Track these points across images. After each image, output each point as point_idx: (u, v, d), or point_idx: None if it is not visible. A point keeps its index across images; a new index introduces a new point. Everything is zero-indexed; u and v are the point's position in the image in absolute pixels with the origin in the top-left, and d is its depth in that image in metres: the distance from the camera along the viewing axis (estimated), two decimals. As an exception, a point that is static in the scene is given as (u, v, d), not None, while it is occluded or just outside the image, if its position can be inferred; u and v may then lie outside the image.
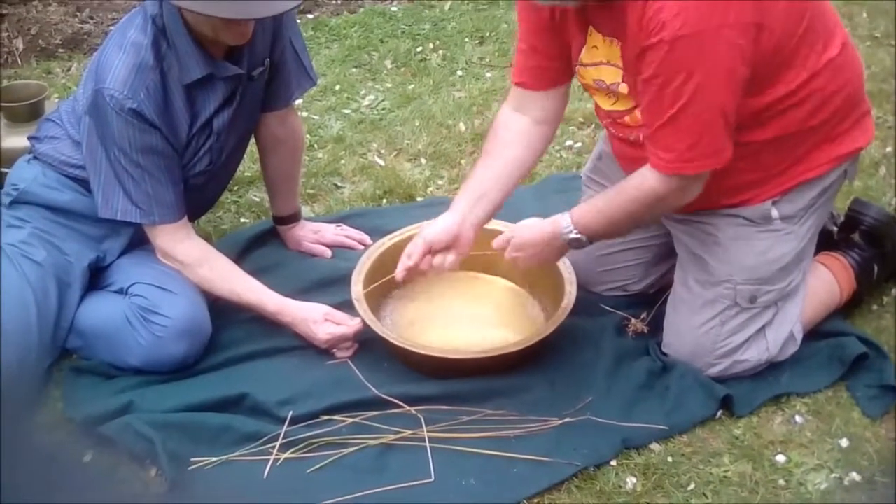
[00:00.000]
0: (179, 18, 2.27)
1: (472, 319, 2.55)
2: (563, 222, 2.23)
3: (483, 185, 2.33)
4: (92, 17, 4.19)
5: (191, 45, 2.29)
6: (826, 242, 2.53)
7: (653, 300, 2.54)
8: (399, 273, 2.31)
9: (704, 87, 1.95)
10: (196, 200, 2.54)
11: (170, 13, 2.27)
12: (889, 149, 3.23)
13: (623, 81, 2.14)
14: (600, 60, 2.17)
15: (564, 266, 2.48)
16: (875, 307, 2.58)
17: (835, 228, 2.60)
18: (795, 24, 2.04)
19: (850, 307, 2.54)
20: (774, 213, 2.24)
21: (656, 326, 2.46)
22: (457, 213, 2.30)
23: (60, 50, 3.96)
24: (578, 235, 2.22)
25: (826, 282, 2.47)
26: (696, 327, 2.32)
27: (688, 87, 1.94)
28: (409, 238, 2.53)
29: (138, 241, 2.48)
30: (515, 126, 2.35)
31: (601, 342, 2.46)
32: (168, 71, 2.30)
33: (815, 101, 2.13)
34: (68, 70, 3.83)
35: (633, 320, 2.50)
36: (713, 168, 2.07)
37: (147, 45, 2.27)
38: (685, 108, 1.97)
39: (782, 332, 2.32)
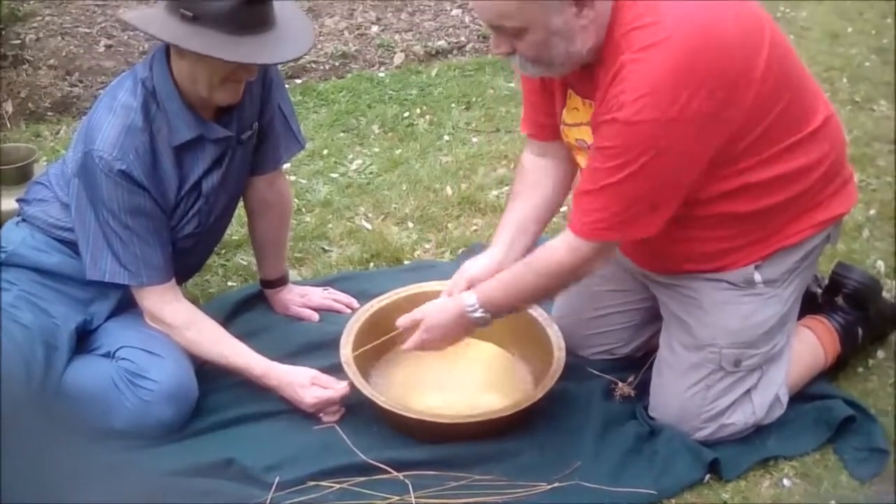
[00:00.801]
0: (170, 80, 2.29)
1: (461, 384, 2.54)
2: (468, 301, 2.25)
3: (521, 222, 2.38)
4: (81, 81, 4.22)
5: (181, 107, 2.31)
6: (810, 305, 2.55)
7: (640, 363, 2.54)
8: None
9: (646, 169, 1.97)
10: (184, 263, 2.54)
11: (160, 76, 2.30)
12: (872, 212, 3.26)
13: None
14: (580, 121, 2.20)
15: (552, 330, 2.49)
16: (860, 370, 2.59)
17: (819, 291, 2.61)
18: (767, 110, 2.06)
19: (835, 370, 2.54)
20: (757, 277, 2.25)
21: (643, 390, 2.46)
22: (498, 250, 2.35)
23: (49, 113, 3.98)
24: (484, 314, 2.25)
25: (811, 345, 2.48)
26: (682, 391, 2.32)
27: (632, 165, 1.97)
28: (398, 301, 2.57)
29: (126, 305, 2.47)
30: (540, 164, 2.41)
31: (589, 406, 2.46)
32: (157, 133, 2.32)
33: (793, 175, 2.16)
34: (57, 133, 3.85)
35: (620, 384, 2.50)
36: (630, 239, 2.12)
37: (137, 107, 2.29)
38: (620, 182, 1.99)
39: (768, 395, 2.33)
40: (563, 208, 2.58)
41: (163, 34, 2.20)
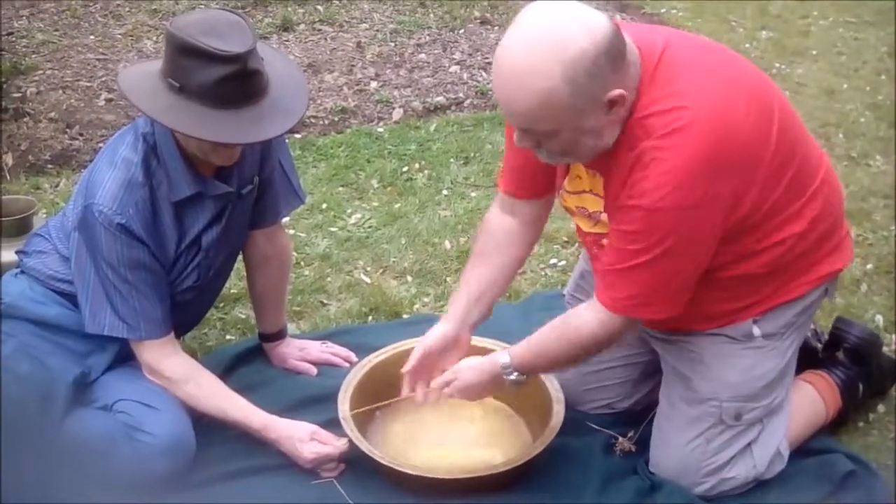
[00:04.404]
0: (170, 137, 2.30)
1: (460, 438, 2.53)
2: (503, 361, 2.26)
3: (478, 289, 2.39)
4: (81, 134, 4.24)
5: (181, 163, 2.32)
6: (811, 360, 2.55)
7: (640, 418, 2.53)
8: (405, 392, 2.38)
9: (671, 252, 2.00)
10: (183, 317, 2.54)
11: (161, 131, 2.30)
12: (870, 266, 3.28)
13: (604, 210, 2.17)
14: (583, 189, 2.21)
15: (552, 384, 2.48)
16: (861, 424, 2.59)
17: (819, 346, 2.61)
18: (778, 180, 2.09)
19: (836, 425, 2.54)
20: (756, 331, 2.26)
21: (644, 444, 2.45)
22: (452, 319, 2.37)
23: (49, 166, 3.99)
24: (519, 377, 2.27)
25: (812, 400, 2.48)
26: (683, 445, 2.31)
27: (657, 249, 2.00)
28: (396, 355, 2.56)
29: (124, 358, 2.46)
30: (506, 227, 2.41)
31: (590, 462, 2.45)
32: (157, 188, 2.33)
33: (793, 239, 2.17)
34: (57, 186, 3.86)
35: (620, 439, 2.50)
36: (659, 318, 2.12)
37: (137, 161, 2.30)
38: (646, 264, 2.02)
39: (769, 448, 2.32)
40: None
41: (143, 104, 2.19)
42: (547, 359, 2.25)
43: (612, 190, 2.07)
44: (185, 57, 2.15)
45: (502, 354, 2.27)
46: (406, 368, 2.35)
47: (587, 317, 2.15)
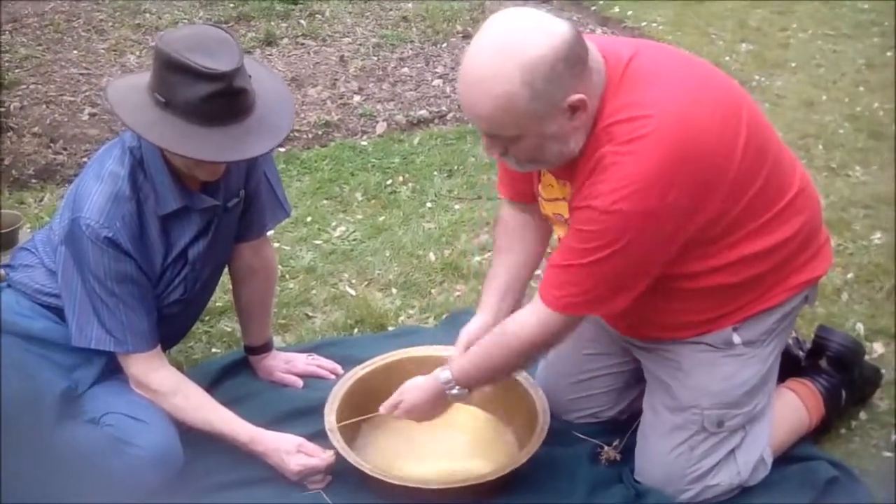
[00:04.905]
0: (157, 151, 2.31)
1: (446, 449, 2.55)
2: (444, 377, 2.30)
3: (506, 280, 2.42)
4: (65, 149, 4.25)
5: (167, 177, 2.33)
6: (793, 369, 2.57)
7: (625, 426, 2.55)
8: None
9: (619, 254, 2.02)
10: (169, 330, 2.55)
11: (147, 146, 2.31)
12: (850, 275, 3.31)
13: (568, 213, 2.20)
14: (556, 197, 2.25)
15: (537, 394, 2.50)
16: (843, 431, 2.62)
17: (801, 354, 2.64)
18: (745, 189, 2.10)
19: (819, 432, 2.56)
20: (736, 338, 2.28)
21: (629, 453, 2.46)
22: (488, 309, 2.39)
23: (34, 180, 3.99)
24: (461, 391, 2.30)
25: (795, 408, 2.50)
26: (667, 453, 2.33)
27: (605, 250, 2.02)
28: (382, 367, 2.58)
29: (111, 371, 2.46)
30: (522, 219, 2.45)
31: (575, 471, 2.46)
32: (144, 202, 2.34)
33: (773, 247, 2.19)
34: (41, 200, 3.86)
35: (605, 448, 2.51)
36: (599, 314, 2.17)
37: (124, 175, 2.31)
38: (596, 263, 2.04)
39: (752, 455, 2.34)
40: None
41: (128, 118, 2.20)
42: (487, 369, 2.28)
43: (574, 192, 2.10)
44: (171, 73, 2.16)
45: (443, 370, 2.30)
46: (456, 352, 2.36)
47: (527, 319, 2.18)
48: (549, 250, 2.48)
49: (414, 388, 2.36)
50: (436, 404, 2.36)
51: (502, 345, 2.23)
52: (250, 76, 2.25)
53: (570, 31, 1.93)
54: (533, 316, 2.16)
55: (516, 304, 2.41)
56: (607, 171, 1.97)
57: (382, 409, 2.39)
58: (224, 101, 2.18)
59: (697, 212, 2.03)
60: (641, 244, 2.02)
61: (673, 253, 2.08)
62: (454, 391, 2.30)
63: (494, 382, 2.42)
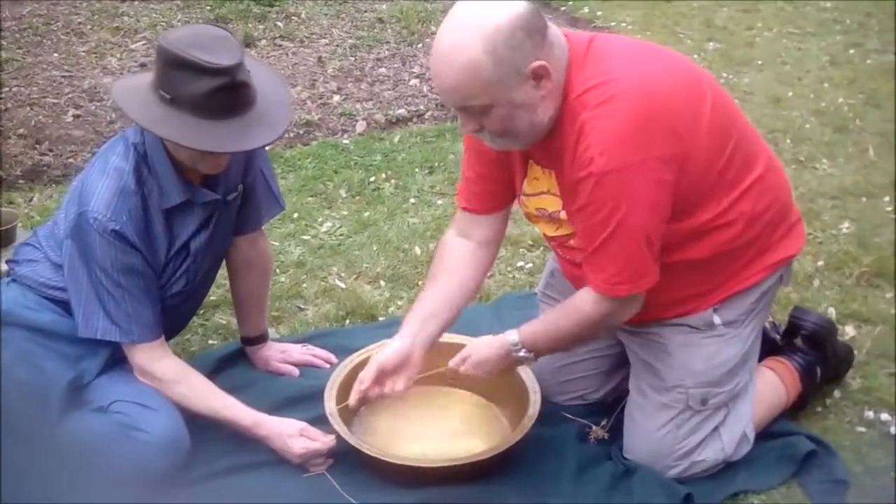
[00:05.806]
0: (160, 146, 2.39)
1: (442, 431, 2.64)
2: (511, 340, 2.37)
3: (432, 306, 2.46)
4: (51, 150, 4.29)
5: (171, 171, 2.41)
6: (771, 349, 2.69)
7: (611, 408, 2.65)
8: (353, 399, 2.42)
9: (629, 217, 2.12)
10: (171, 321, 2.62)
11: (151, 141, 2.39)
12: (821, 263, 3.44)
13: (563, 209, 2.30)
14: (541, 190, 2.34)
15: (527, 376, 2.60)
16: (819, 409, 2.74)
17: (778, 337, 2.75)
18: (718, 153, 2.22)
19: (796, 410, 2.68)
20: (717, 319, 2.39)
21: (617, 432, 2.56)
22: (406, 335, 2.42)
23: (21, 181, 4.03)
24: (527, 354, 2.37)
25: (774, 385, 2.61)
26: (654, 431, 2.44)
27: (614, 216, 2.12)
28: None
29: (116, 361, 2.53)
30: (460, 251, 2.50)
31: (565, 450, 2.56)
32: (149, 196, 2.41)
33: (744, 220, 2.30)
34: (30, 200, 3.90)
35: (594, 427, 2.61)
36: (639, 291, 2.23)
37: (129, 170, 2.38)
38: (612, 235, 2.14)
39: (736, 431, 2.45)
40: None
41: (135, 114, 2.29)
42: (553, 338, 2.36)
43: (564, 175, 2.20)
44: (175, 69, 2.24)
45: (511, 333, 2.37)
46: (364, 385, 2.39)
47: (585, 298, 2.26)
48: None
49: (483, 346, 2.43)
50: (501, 362, 2.41)
51: (567, 316, 2.32)
52: (249, 72, 2.33)
53: (527, 5, 2.06)
54: (590, 298, 2.25)
55: (441, 332, 2.46)
56: (589, 136, 2.08)
57: (452, 363, 2.45)
58: (227, 94, 2.26)
59: (683, 165, 2.13)
60: (641, 201, 2.11)
61: (670, 209, 2.17)
62: (521, 353, 2.37)
63: (562, 350, 2.50)
